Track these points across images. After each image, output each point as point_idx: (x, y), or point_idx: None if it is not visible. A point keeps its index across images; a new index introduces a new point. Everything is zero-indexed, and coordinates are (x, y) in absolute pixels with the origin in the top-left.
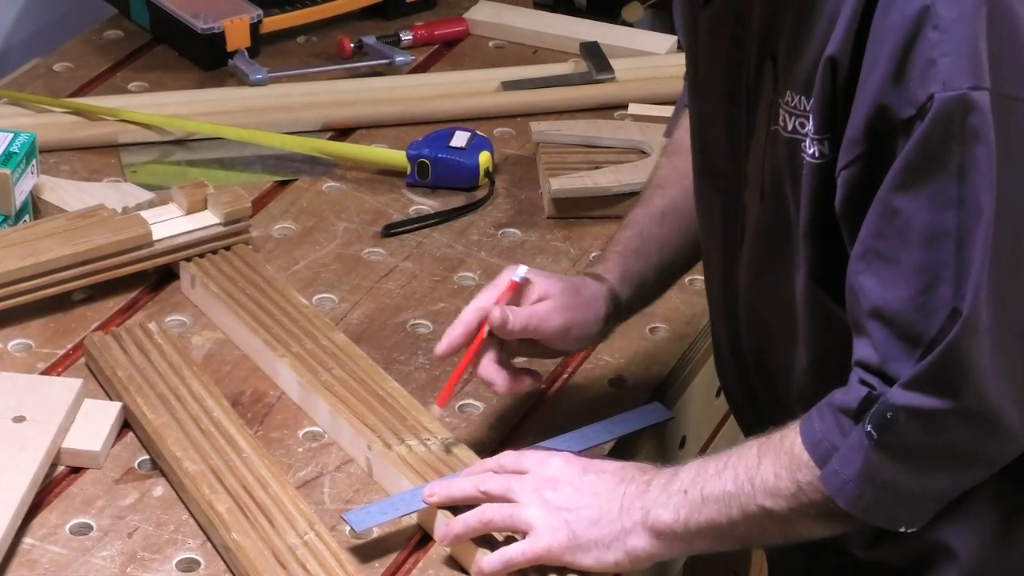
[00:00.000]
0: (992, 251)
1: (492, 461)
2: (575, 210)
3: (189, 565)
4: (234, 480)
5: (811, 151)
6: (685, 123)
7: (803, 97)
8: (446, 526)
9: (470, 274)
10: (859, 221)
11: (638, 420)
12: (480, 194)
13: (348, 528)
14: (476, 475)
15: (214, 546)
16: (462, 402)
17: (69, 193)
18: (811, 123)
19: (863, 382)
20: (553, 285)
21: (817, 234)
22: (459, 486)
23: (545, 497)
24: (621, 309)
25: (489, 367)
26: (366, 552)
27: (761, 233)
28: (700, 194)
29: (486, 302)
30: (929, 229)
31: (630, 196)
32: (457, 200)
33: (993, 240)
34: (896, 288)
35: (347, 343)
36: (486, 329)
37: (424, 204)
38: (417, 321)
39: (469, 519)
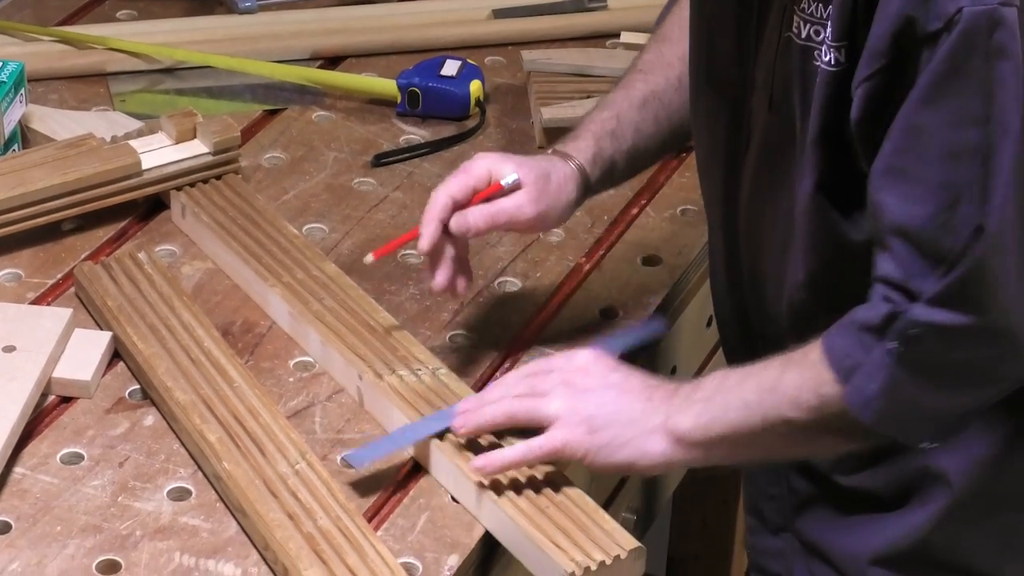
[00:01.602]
0: (1019, 169)
1: (520, 368)
2: None
3: (180, 494)
4: (225, 410)
5: (827, 58)
6: (676, 14)
7: (821, 4)
8: (466, 415)
9: None
10: (877, 135)
11: (640, 333)
12: (471, 124)
13: (340, 458)
14: (500, 382)
15: (205, 475)
16: (452, 332)
17: (58, 122)
18: (828, 30)
19: (886, 298)
20: (526, 174)
21: (827, 143)
22: (488, 393)
23: (572, 388)
24: (588, 190)
25: (440, 260)
26: (357, 481)
27: (767, 142)
28: (702, 103)
29: (459, 191)
30: (953, 145)
31: None
32: (448, 130)
33: (1020, 158)
34: (919, 205)
35: (338, 273)
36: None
37: (414, 134)
38: (408, 251)
39: (492, 411)
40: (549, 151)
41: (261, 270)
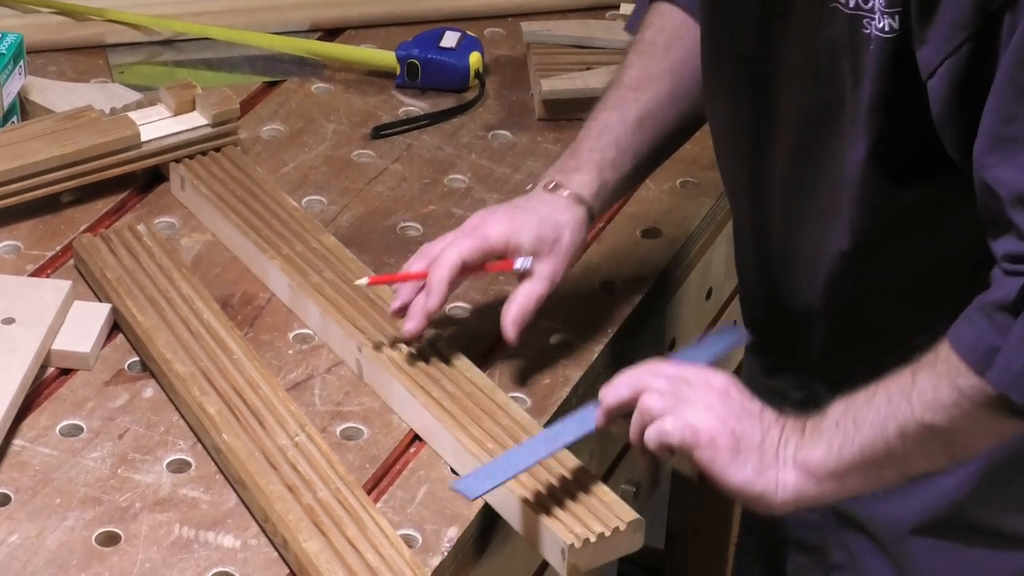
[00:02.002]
0: None
1: (645, 364)
2: (566, 112)
3: (180, 466)
4: (224, 382)
5: (880, 24)
6: (656, 23)
7: None
8: (607, 387)
9: (460, 176)
10: (972, 110)
11: (719, 343)
12: (470, 96)
13: (335, 429)
14: (633, 375)
15: (204, 448)
16: (451, 305)
17: (57, 94)
18: None
19: (1012, 273)
20: (540, 245)
21: (883, 110)
22: (615, 392)
23: (713, 404)
24: (590, 224)
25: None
26: (357, 454)
27: (809, 114)
28: (723, 80)
29: (471, 257)
30: None
31: None
32: (447, 102)
33: None
34: None
35: (337, 245)
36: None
37: (414, 106)
38: (407, 224)
39: (625, 391)
40: (552, 184)
41: (260, 242)
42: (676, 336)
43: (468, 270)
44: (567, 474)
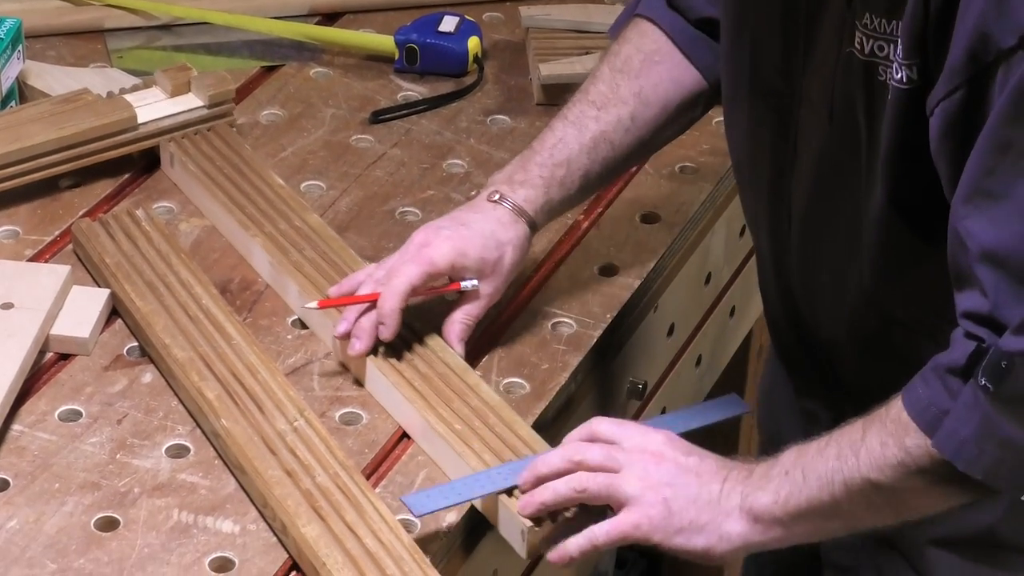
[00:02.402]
0: None
1: (584, 429)
2: (565, 97)
3: (179, 451)
4: (223, 367)
5: (898, 76)
6: (635, 41)
7: (884, 20)
8: (531, 495)
9: (459, 161)
10: (958, 156)
11: (716, 412)
12: (469, 80)
13: (334, 414)
14: (568, 447)
15: (204, 433)
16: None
17: (55, 79)
18: (899, 47)
19: (969, 335)
20: (484, 266)
21: (900, 160)
22: (549, 462)
23: (647, 470)
24: (530, 239)
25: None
26: (356, 439)
27: (827, 155)
28: (744, 111)
29: (420, 282)
30: None
31: None
32: (446, 86)
33: None
34: (1009, 225)
35: (321, 225)
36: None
37: (412, 90)
38: (406, 209)
39: (560, 487)
40: (496, 195)
41: (244, 220)
42: (675, 322)
43: (415, 292)
44: (529, 453)
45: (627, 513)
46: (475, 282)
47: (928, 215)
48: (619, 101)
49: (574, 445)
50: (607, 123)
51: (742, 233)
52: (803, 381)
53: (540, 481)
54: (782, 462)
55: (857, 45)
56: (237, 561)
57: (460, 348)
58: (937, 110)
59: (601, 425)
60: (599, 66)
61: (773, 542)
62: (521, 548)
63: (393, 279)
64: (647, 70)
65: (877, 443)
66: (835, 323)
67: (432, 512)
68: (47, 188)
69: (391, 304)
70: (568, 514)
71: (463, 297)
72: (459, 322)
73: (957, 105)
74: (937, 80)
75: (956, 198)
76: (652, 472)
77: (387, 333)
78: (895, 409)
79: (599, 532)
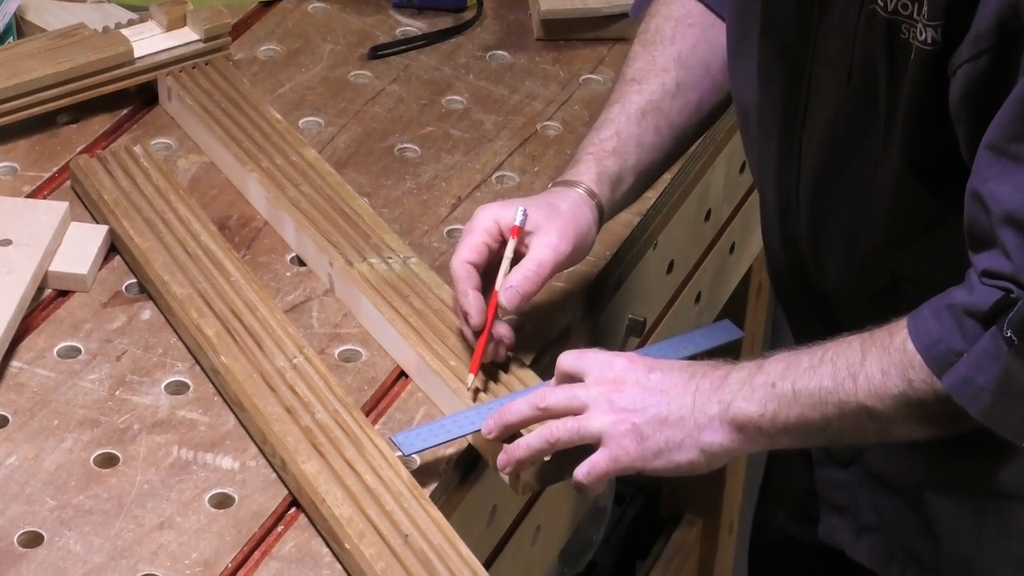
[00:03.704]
0: None
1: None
2: (565, 32)
3: (178, 388)
4: (222, 304)
5: (922, 37)
6: (662, 12)
7: None
8: (506, 452)
9: (458, 98)
10: (979, 119)
11: (708, 338)
12: (468, 16)
13: (333, 351)
14: (533, 394)
15: (203, 369)
16: (450, 227)
17: (53, 14)
18: (924, 7)
19: (994, 286)
20: (534, 211)
21: (919, 121)
22: (516, 411)
23: (611, 401)
24: (603, 211)
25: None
26: (355, 375)
27: (842, 113)
28: (752, 59)
29: (473, 254)
30: None
31: (621, 18)
32: (444, 22)
33: None
34: None
35: (317, 159)
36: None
37: (411, 26)
38: (405, 145)
39: (532, 442)
40: (549, 185)
41: (241, 154)
42: (674, 258)
43: (481, 266)
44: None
45: (603, 450)
46: (522, 210)
47: (944, 176)
48: (659, 70)
49: (539, 391)
50: (651, 92)
51: (742, 170)
52: (803, 325)
53: (507, 429)
54: (768, 371)
55: (880, 2)
56: (237, 497)
57: (510, 295)
58: (960, 72)
59: (563, 360)
60: (630, 48)
61: (756, 449)
62: (515, 485)
63: (455, 271)
64: (681, 34)
65: (878, 371)
66: (842, 276)
67: (421, 451)
68: (45, 124)
69: (461, 289)
70: (547, 459)
71: (528, 245)
72: (519, 273)
73: (982, 69)
74: (960, 42)
75: (978, 160)
76: (617, 401)
77: (476, 319)
78: (899, 338)
79: (580, 475)
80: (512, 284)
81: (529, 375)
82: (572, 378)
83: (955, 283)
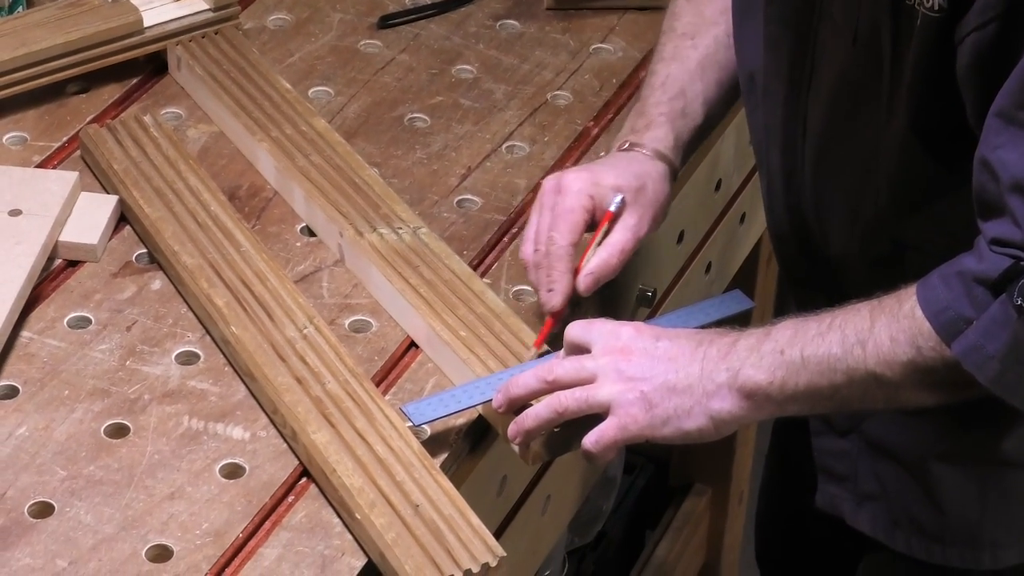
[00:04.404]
0: None
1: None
2: (575, 1)
3: (188, 358)
4: (232, 274)
5: (929, 3)
6: None
7: None
8: (516, 424)
9: (468, 67)
10: (986, 87)
11: (719, 308)
12: None
13: (343, 321)
14: (541, 367)
15: (213, 339)
16: (460, 197)
17: None
18: None
19: (1004, 254)
20: (626, 190)
21: (924, 88)
22: (524, 384)
23: (619, 370)
24: (676, 176)
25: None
26: (366, 346)
27: (848, 77)
28: (758, 22)
29: (574, 235)
30: None
31: None
32: None
33: None
34: None
35: (327, 129)
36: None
37: None
38: (415, 115)
39: (540, 412)
40: (626, 144)
41: (251, 124)
42: (684, 228)
43: (578, 243)
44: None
45: (611, 419)
46: (620, 198)
47: (949, 142)
48: (709, 23)
49: (546, 364)
50: (706, 47)
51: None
52: (805, 293)
53: (514, 403)
54: (776, 338)
55: None
56: (247, 467)
57: (586, 282)
58: (968, 40)
59: (571, 330)
60: (673, 4)
61: (764, 417)
62: (525, 456)
63: (551, 250)
64: None
65: (886, 338)
66: (845, 242)
67: (431, 421)
68: (54, 94)
69: (559, 270)
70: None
71: (611, 229)
72: (597, 256)
73: (989, 37)
74: (967, 10)
75: (987, 129)
76: (625, 370)
77: (557, 302)
78: (908, 304)
79: (588, 444)
80: (592, 271)
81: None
82: (580, 348)
83: (958, 251)
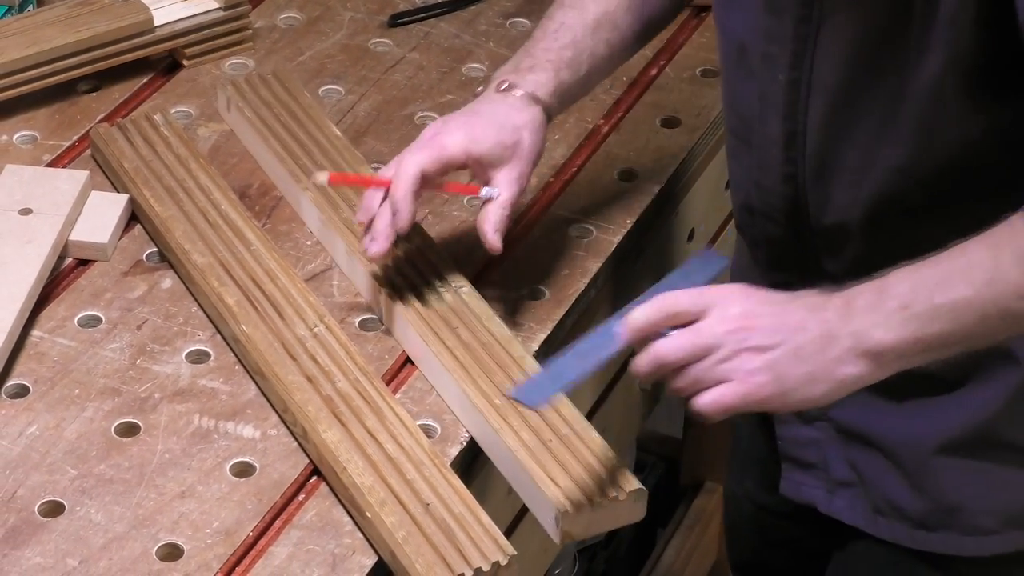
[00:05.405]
0: None
1: (660, 306)
2: None
3: (199, 357)
4: (243, 272)
5: None
6: None
7: None
8: (650, 353)
9: (478, 65)
10: None
11: (703, 272)
12: None
13: (354, 320)
14: (693, 333)
15: (224, 338)
16: (469, 197)
17: None
18: None
19: None
20: (500, 148)
21: (965, 23)
22: (678, 346)
23: (742, 340)
24: (548, 124)
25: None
26: (375, 345)
27: (871, 23)
28: None
29: (432, 167)
30: None
31: None
32: None
33: None
34: None
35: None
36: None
37: None
38: (425, 113)
39: (681, 347)
40: (505, 84)
41: (296, 170)
42: (695, 227)
43: (428, 182)
44: (570, 432)
45: (734, 384)
46: (496, 191)
47: (987, 91)
48: None
49: (669, 299)
50: (606, 3)
51: None
52: (781, 277)
53: (663, 368)
54: (894, 295)
55: None
56: (258, 466)
57: (495, 239)
58: None
59: (680, 300)
60: None
61: (885, 375)
62: (555, 534)
63: (403, 164)
64: None
65: (1015, 270)
66: (849, 206)
67: (548, 399)
68: (65, 93)
69: (402, 190)
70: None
71: (490, 181)
72: (491, 212)
73: None
74: None
75: None
76: (748, 339)
77: (401, 222)
78: (1021, 226)
79: (704, 402)
80: (497, 229)
81: (535, 368)
82: (688, 319)
83: (968, 219)
